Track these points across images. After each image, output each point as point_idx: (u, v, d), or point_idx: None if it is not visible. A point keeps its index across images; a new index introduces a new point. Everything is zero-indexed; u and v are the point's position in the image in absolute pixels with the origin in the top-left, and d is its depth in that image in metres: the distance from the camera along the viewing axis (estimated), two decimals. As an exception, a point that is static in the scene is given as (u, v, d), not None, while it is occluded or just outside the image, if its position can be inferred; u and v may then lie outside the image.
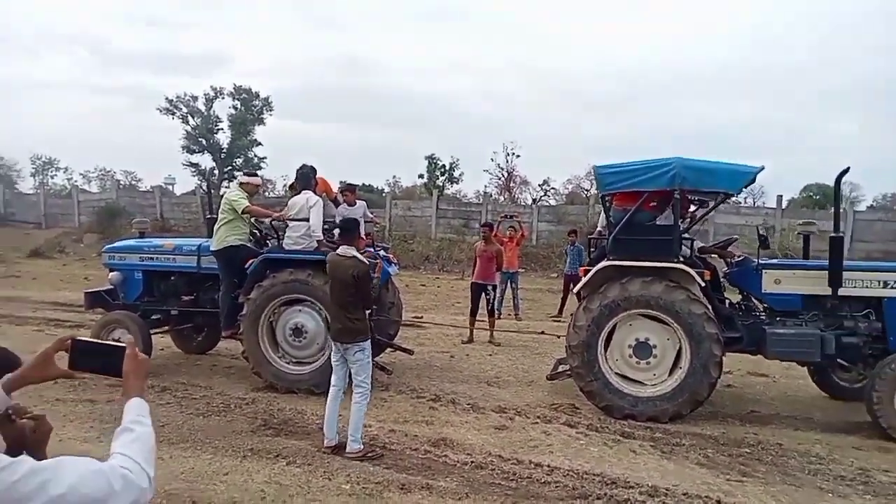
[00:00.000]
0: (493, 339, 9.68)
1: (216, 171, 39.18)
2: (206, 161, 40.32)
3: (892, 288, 5.98)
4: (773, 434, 5.64)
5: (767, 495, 4.32)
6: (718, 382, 6.12)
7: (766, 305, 6.49)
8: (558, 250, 20.18)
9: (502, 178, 37.03)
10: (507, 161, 36.07)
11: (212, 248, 6.81)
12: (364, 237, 8.13)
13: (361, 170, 79.63)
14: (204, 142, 39.99)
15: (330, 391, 5.08)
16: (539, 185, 37.35)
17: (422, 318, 11.82)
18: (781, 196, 22.92)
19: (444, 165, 35.02)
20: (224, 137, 40.12)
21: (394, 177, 46.54)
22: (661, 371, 6.05)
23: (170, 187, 30.67)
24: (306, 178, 6.96)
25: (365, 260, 5.14)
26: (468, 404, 6.26)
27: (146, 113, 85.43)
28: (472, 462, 4.76)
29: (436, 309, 13.50)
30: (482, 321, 9.84)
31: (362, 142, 75.74)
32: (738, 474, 4.69)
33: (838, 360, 6.14)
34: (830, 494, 4.38)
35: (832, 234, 6.05)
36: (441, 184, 34.47)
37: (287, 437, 5.24)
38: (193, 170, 40.72)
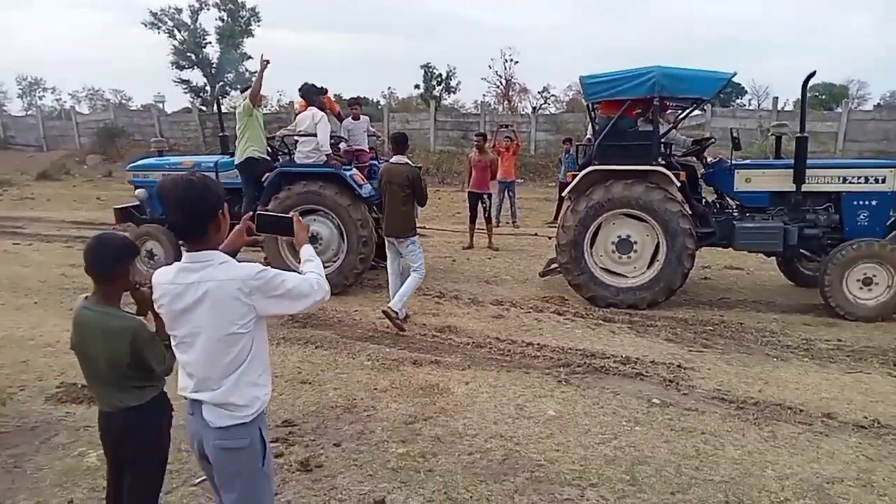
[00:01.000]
0: (492, 244, 10.39)
1: (208, 88, 38.74)
2: (196, 77, 39.65)
3: (850, 183, 6.58)
4: (737, 315, 6.44)
5: (721, 361, 5.13)
6: (692, 273, 6.87)
7: (737, 203, 7.09)
8: (556, 159, 20.52)
9: (500, 87, 36.67)
10: (506, 68, 35.60)
11: (235, 163, 7.37)
12: (368, 150, 8.68)
13: (355, 81, 77.63)
14: (193, 57, 39.22)
15: (389, 280, 6.23)
16: (539, 93, 37.06)
17: (424, 227, 12.50)
18: (777, 98, 23.04)
19: (440, 75, 34.59)
20: (213, 51, 39.30)
21: (389, 88, 45.87)
22: (641, 264, 6.77)
23: (160, 105, 30.38)
24: (310, 94, 7.42)
25: (413, 165, 6.09)
26: (469, 299, 7.04)
27: (130, 28, 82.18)
28: (472, 343, 5.57)
29: (438, 219, 14.15)
30: (481, 228, 10.53)
31: (355, 51, 73.60)
32: (700, 346, 5.51)
33: (801, 249, 6.85)
34: (775, 359, 5.19)
35: (797, 135, 6.57)
36: (438, 94, 34.17)
37: (313, 328, 6.03)
38: (185, 86, 40.14)
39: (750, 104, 35.98)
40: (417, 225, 6.32)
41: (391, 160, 6.10)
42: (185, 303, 1.94)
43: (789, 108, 23.20)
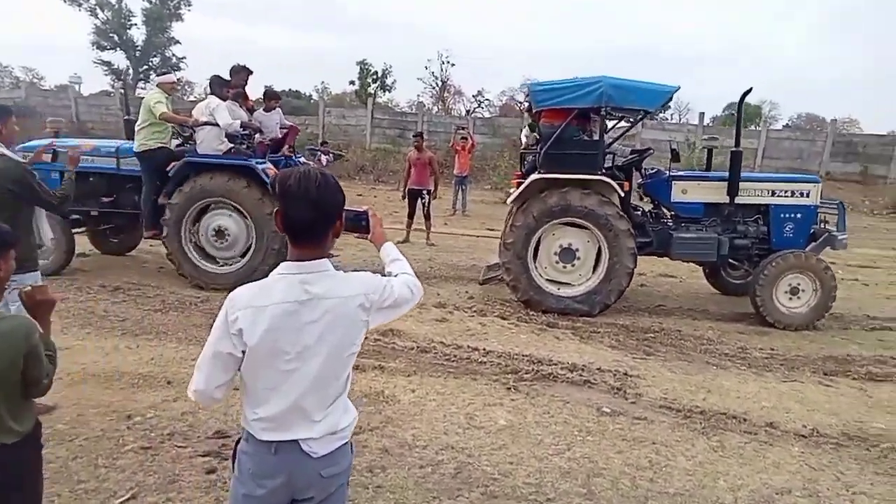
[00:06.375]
0: (430, 240, 10.28)
1: (130, 71, 36.71)
2: (118, 59, 37.52)
3: (778, 196, 6.84)
4: (675, 323, 6.55)
5: (664, 368, 5.17)
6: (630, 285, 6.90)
7: (673, 213, 7.21)
8: (492, 163, 20.67)
9: (436, 88, 36.55)
10: (442, 70, 35.50)
11: (134, 150, 6.95)
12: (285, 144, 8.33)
13: (286, 74, 75.57)
14: (116, 38, 37.08)
15: None
16: (473, 97, 37.18)
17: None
18: (703, 114, 24.03)
19: (376, 72, 34.06)
20: (138, 34, 37.30)
21: (322, 83, 44.66)
22: (581, 275, 6.72)
23: (76, 86, 28.39)
24: (214, 86, 7.12)
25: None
26: (411, 301, 6.82)
27: (44, 3, 76.36)
28: (417, 347, 5.37)
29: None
30: (419, 228, 10.37)
31: (289, 44, 71.61)
32: (643, 353, 5.53)
33: (730, 259, 7.06)
34: (714, 367, 5.28)
35: (732, 149, 6.77)
36: (373, 91, 33.64)
37: (245, 330, 5.66)
38: (105, 68, 37.89)
39: (672, 118, 37.60)
40: None
41: None
42: (298, 323, 1.65)
43: (707, 123, 24.26)
